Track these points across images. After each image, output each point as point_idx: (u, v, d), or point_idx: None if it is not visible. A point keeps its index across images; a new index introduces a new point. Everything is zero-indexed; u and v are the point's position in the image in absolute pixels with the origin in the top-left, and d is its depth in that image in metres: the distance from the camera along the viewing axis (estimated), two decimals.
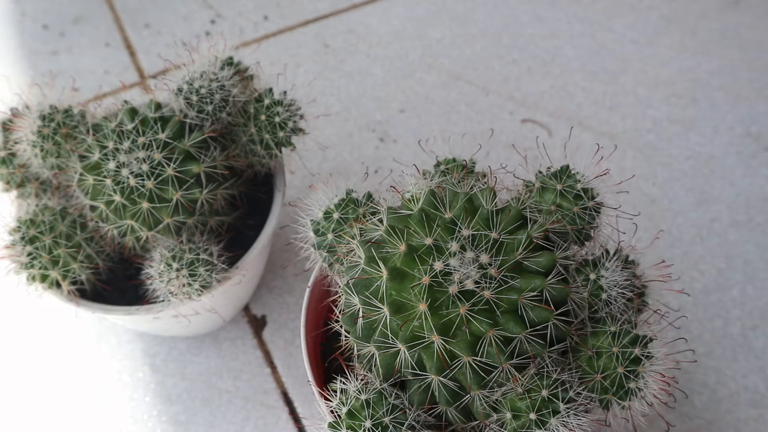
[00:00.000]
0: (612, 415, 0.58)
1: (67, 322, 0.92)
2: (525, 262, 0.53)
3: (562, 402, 0.52)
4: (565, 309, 0.54)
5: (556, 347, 0.54)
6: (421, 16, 1.24)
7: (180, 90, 0.74)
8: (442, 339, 0.51)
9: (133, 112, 0.71)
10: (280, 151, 0.78)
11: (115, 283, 0.80)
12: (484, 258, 0.51)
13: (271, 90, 0.77)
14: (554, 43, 1.20)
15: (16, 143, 0.74)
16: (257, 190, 0.83)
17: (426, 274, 0.51)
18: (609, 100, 1.12)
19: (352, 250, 0.56)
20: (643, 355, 0.57)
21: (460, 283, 0.51)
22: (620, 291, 0.59)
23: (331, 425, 0.56)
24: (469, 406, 0.56)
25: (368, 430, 0.54)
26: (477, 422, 0.57)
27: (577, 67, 1.17)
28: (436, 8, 1.25)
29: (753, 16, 1.24)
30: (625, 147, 1.07)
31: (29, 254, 0.72)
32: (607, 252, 0.61)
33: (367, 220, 0.58)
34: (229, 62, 0.77)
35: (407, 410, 0.56)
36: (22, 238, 0.72)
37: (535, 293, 0.52)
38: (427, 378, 0.54)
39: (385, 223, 0.55)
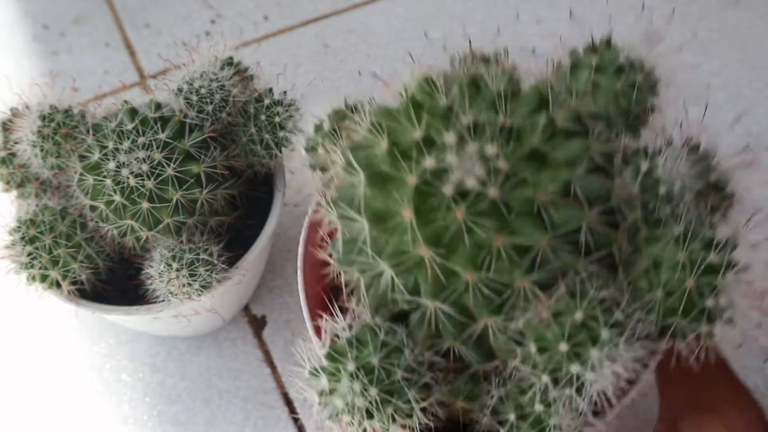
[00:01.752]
0: (683, 347, 0.42)
1: (67, 322, 0.92)
2: (547, 153, 0.39)
3: (605, 326, 0.38)
4: (607, 207, 0.41)
5: (595, 257, 0.40)
6: (421, 16, 1.24)
7: (180, 90, 0.74)
8: (434, 252, 0.39)
9: (133, 112, 0.71)
10: (280, 151, 0.78)
11: (115, 283, 0.80)
12: (490, 149, 0.37)
13: (271, 90, 0.77)
14: (554, 43, 1.20)
15: (16, 143, 0.74)
16: (257, 190, 0.83)
17: (412, 172, 0.39)
18: None
19: (334, 161, 0.46)
20: (722, 265, 0.41)
21: (459, 183, 0.37)
22: (686, 184, 0.43)
23: (311, 372, 0.45)
24: (484, 341, 0.44)
25: (352, 374, 0.42)
26: (498, 361, 0.45)
27: None
28: (436, 8, 1.25)
29: (753, 16, 1.24)
30: None
31: (29, 254, 0.72)
32: (671, 140, 0.47)
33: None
34: (229, 62, 0.77)
35: (404, 349, 0.43)
36: (22, 238, 0.72)
37: (559, 188, 0.38)
38: (424, 305, 0.42)
39: (367, 120, 0.44)
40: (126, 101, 0.73)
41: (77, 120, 0.73)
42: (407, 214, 0.39)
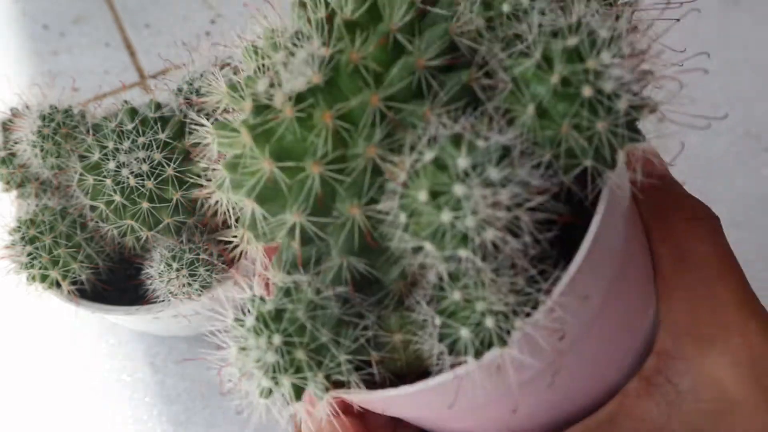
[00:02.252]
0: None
1: (67, 322, 0.92)
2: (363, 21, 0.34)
3: (467, 155, 0.28)
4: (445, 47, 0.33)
5: (446, 98, 0.33)
6: None
7: (180, 90, 0.74)
8: (276, 164, 0.34)
9: (133, 112, 0.71)
10: None
11: (115, 283, 0.80)
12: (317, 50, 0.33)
13: None
14: None
15: (16, 143, 0.74)
16: None
17: (245, 99, 0.36)
18: None
19: None
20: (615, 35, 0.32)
21: (289, 91, 0.33)
22: None
23: (240, 349, 0.36)
24: (374, 245, 0.35)
25: (256, 328, 0.34)
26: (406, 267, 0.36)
27: None
28: None
29: (753, 16, 1.24)
30: None
31: (29, 254, 0.72)
32: None
33: None
34: (230, 62, 0.77)
35: (306, 289, 0.34)
36: (22, 238, 0.72)
37: (377, 44, 0.33)
38: (290, 222, 0.35)
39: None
40: (126, 101, 0.73)
41: (77, 120, 0.74)
42: (246, 139, 0.35)
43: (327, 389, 0.35)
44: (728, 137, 1.07)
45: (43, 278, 0.73)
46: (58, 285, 0.74)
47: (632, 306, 0.44)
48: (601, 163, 0.33)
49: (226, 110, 0.40)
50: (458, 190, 0.28)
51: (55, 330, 0.92)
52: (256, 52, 0.39)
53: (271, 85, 0.34)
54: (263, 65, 0.38)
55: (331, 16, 0.35)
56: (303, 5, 0.38)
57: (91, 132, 0.71)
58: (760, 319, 0.42)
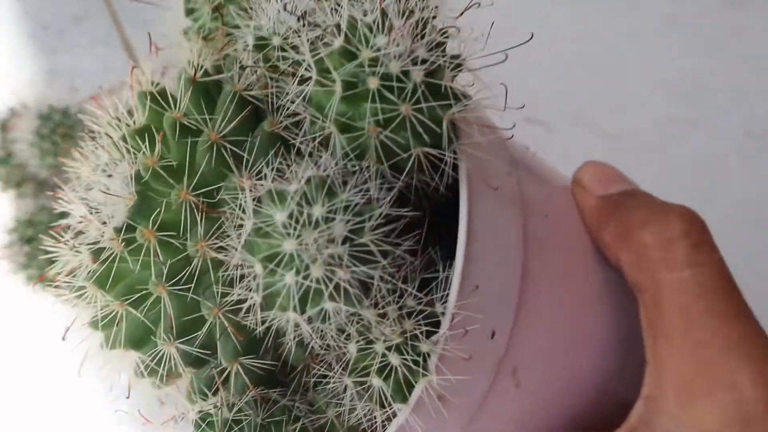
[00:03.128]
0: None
1: (66, 322, 0.92)
2: None
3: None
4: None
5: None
6: None
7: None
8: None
9: (131, 112, 0.70)
10: None
11: None
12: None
13: None
14: (555, 42, 1.20)
15: (14, 143, 0.73)
16: None
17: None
18: (609, 100, 1.12)
19: None
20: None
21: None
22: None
23: None
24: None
25: None
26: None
27: (578, 66, 1.17)
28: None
29: (755, 15, 1.24)
30: (626, 147, 1.07)
31: (27, 254, 0.72)
32: None
33: None
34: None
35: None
36: (20, 238, 0.72)
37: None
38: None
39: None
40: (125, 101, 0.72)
41: (75, 119, 0.73)
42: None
43: None
44: (729, 137, 1.06)
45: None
46: (57, 285, 0.74)
47: (583, 294, 0.40)
48: (431, 144, 0.29)
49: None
50: (287, 246, 0.26)
51: (54, 330, 0.92)
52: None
53: (102, 223, 0.34)
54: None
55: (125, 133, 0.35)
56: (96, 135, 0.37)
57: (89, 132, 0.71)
58: (753, 367, 0.36)
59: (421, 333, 0.29)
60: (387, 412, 0.30)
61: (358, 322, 0.29)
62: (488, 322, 0.30)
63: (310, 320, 0.28)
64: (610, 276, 0.42)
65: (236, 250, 0.28)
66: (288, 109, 0.31)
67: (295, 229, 0.26)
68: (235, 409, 0.33)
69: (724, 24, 1.21)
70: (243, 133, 0.31)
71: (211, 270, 0.31)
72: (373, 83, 0.28)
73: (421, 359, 0.29)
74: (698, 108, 1.11)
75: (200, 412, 0.35)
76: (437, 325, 0.30)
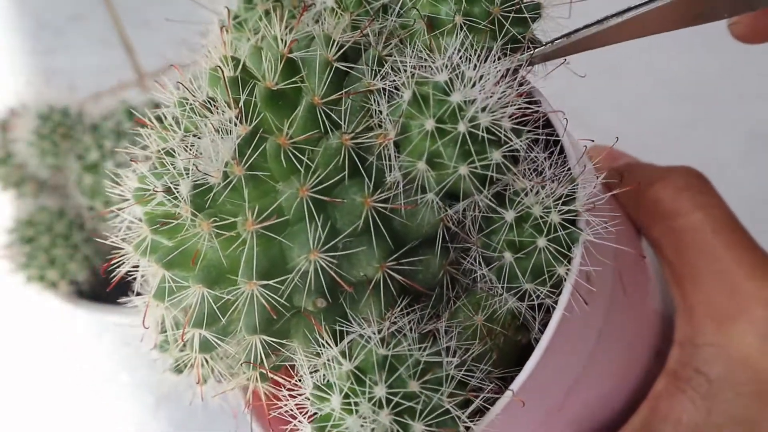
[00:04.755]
0: None
1: (66, 323, 0.91)
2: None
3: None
4: None
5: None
6: None
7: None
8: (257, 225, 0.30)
9: (131, 111, 0.70)
10: None
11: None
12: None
13: None
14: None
15: (13, 143, 0.73)
16: None
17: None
18: (610, 100, 1.11)
19: None
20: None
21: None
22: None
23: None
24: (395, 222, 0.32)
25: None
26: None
27: (578, 66, 1.16)
28: None
29: None
30: (627, 147, 1.06)
31: (27, 254, 0.72)
32: None
33: None
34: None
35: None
36: (20, 239, 0.72)
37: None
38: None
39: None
40: (124, 100, 0.72)
41: (75, 119, 0.73)
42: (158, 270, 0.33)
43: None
44: (732, 137, 1.06)
45: (41, 278, 0.73)
46: (56, 285, 0.74)
47: (635, 312, 0.43)
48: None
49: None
50: (455, 97, 0.30)
51: (54, 330, 0.92)
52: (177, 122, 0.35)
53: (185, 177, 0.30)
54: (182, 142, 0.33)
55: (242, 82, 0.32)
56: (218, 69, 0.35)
57: (89, 131, 0.71)
58: None
59: (567, 196, 0.32)
60: (542, 290, 0.31)
61: (513, 187, 0.31)
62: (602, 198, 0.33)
63: (478, 178, 0.30)
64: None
65: (393, 125, 0.30)
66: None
67: (457, 85, 0.30)
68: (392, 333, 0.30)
69: (727, 23, 1.21)
70: (350, 61, 0.33)
71: (360, 165, 0.30)
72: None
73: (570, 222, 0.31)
74: (700, 108, 1.11)
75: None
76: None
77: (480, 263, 0.33)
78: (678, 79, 1.13)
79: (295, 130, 0.31)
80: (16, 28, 1.24)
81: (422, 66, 0.31)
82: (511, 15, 0.33)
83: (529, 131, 0.32)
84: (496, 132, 0.30)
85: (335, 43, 0.32)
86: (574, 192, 0.32)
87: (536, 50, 0.34)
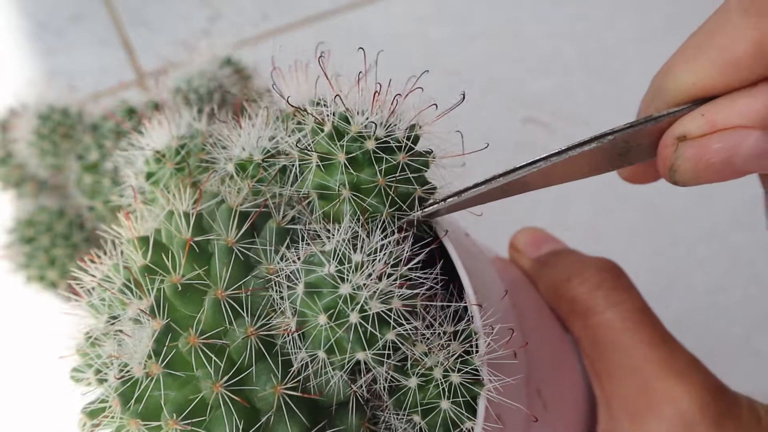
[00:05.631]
0: None
1: (66, 323, 0.91)
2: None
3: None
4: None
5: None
6: (421, 14, 1.23)
7: (178, 89, 0.73)
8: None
9: (130, 111, 0.70)
10: None
11: None
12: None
13: (269, 90, 0.77)
14: (555, 41, 1.20)
15: (13, 143, 0.73)
16: None
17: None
18: (611, 100, 1.11)
19: None
20: None
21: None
22: None
23: None
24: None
25: None
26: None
27: (579, 66, 1.16)
28: (437, 7, 1.25)
29: None
30: None
31: (27, 254, 0.72)
32: None
33: None
34: (228, 61, 0.76)
35: None
36: (20, 239, 0.72)
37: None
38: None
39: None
40: (124, 100, 0.72)
41: (75, 119, 0.73)
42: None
43: None
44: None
45: (41, 278, 0.73)
46: (56, 285, 0.74)
47: (552, 330, 0.46)
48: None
49: None
50: (344, 290, 0.31)
51: (53, 330, 0.91)
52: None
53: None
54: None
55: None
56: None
57: (88, 131, 0.71)
58: (685, 381, 0.42)
59: (466, 352, 0.33)
60: None
61: (413, 355, 0.33)
62: (508, 335, 0.34)
63: (376, 359, 0.32)
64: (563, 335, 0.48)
65: (293, 314, 0.32)
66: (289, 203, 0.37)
67: (345, 275, 0.31)
68: None
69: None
70: (250, 236, 0.36)
71: (266, 353, 0.33)
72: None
73: (472, 375, 0.33)
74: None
75: None
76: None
77: (396, 421, 0.35)
78: None
79: (204, 325, 0.33)
80: (17, 28, 1.24)
81: (311, 258, 0.33)
82: (397, 183, 0.35)
83: (423, 300, 0.33)
84: (387, 316, 0.31)
85: (236, 219, 0.35)
86: (476, 341, 0.34)
87: (426, 210, 0.36)
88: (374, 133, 0.35)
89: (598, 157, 0.35)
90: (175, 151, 0.40)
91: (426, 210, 0.36)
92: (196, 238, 0.35)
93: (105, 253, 0.38)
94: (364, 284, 0.31)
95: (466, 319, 0.34)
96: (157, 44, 1.19)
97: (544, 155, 0.35)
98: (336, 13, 1.24)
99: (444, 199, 0.36)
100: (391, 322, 0.31)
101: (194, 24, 1.22)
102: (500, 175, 0.35)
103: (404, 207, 0.36)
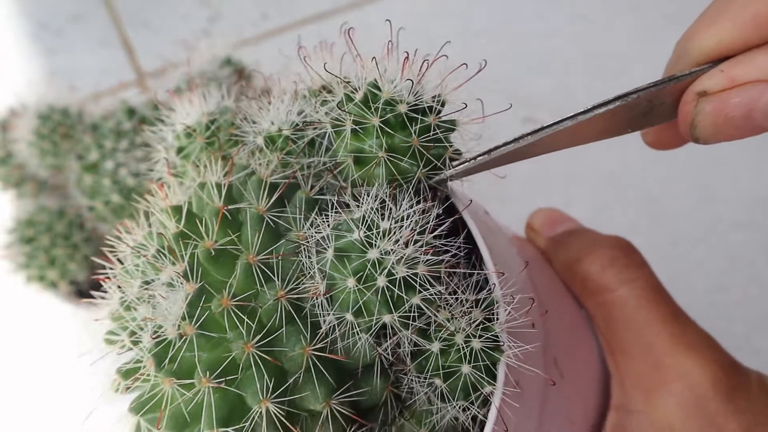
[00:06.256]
0: None
1: (65, 323, 0.91)
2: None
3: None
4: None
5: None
6: (421, 14, 1.24)
7: (179, 89, 0.73)
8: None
9: (131, 111, 0.70)
10: None
11: None
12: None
13: (269, 90, 0.77)
14: (556, 41, 1.20)
15: (13, 143, 0.73)
16: None
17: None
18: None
19: None
20: None
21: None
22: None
23: None
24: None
25: None
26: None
27: (579, 65, 1.17)
28: (437, 7, 1.25)
29: None
30: (627, 145, 1.06)
31: (27, 254, 0.72)
32: None
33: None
34: (228, 61, 0.76)
35: None
36: (20, 239, 0.72)
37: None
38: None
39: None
40: (124, 100, 0.72)
41: (75, 119, 0.73)
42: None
43: None
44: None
45: (41, 278, 0.73)
46: (56, 285, 0.74)
47: (570, 309, 0.47)
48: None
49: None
50: (372, 254, 0.32)
51: (53, 330, 0.92)
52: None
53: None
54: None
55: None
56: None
57: (88, 131, 0.71)
58: (695, 355, 0.42)
59: (487, 319, 0.34)
60: (473, 407, 0.34)
61: (437, 320, 0.33)
62: (527, 305, 0.35)
63: (402, 322, 0.33)
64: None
65: (322, 279, 0.33)
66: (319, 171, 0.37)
67: (373, 240, 0.32)
68: None
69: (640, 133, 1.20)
70: (280, 205, 0.36)
71: (295, 316, 0.34)
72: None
73: (493, 342, 0.33)
74: None
75: None
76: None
77: (418, 384, 0.36)
78: None
79: (236, 288, 0.34)
80: (17, 28, 1.24)
81: (340, 225, 0.34)
82: (429, 143, 0.36)
83: (447, 268, 0.34)
84: (413, 280, 0.32)
85: (266, 189, 0.36)
86: (497, 309, 0.34)
87: (458, 167, 0.37)
88: (405, 97, 0.36)
89: (622, 116, 0.36)
90: (205, 126, 0.41)
91: (457, 168, 0.37)
92: (229, 207, 0.35)
93: (137, 225, 0.39)
94: (392, 249, 0.32)
95: (487, 288, 0.35)
96: (157, 44, 1.19)
97: (571, 114, 0.35)
98: (336, 13, 1.24)
99: (474, 158, 0.37)
100: (417, 286, 0.32)
101: (194, 24, 1.22)
102: (528, 134, 0.36)
103: (438, 165, 0.36)
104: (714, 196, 1.00)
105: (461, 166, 0.37)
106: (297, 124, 0.38)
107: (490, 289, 0.34)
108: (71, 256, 0.73)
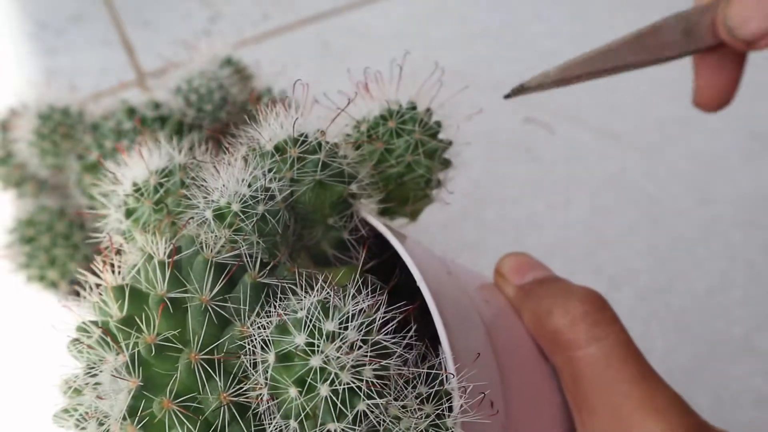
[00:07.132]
0: None
1: (66, 323, 0.91)
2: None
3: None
4: None
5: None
6: (421, 14, 1.24)
7: (179, 89, 0.73)
8: None
9: (131, 111, 0.70)
10: None
11: None
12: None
13: (269, 90, 0.77)
14: (556, 41, 1.20)
15: (13, 142, 0.73)
16: None
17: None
18: (611, 100, 1.11)
19: None
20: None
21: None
22: None
23: None
24: None
25: None
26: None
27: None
28: (437, 7, 1.25)
29: None
30: (627, 146, 1.07)
31: (27, 254, 0.72)
32: None
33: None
34: (228, 61, 0.76)
35: None
36: (20, 238, 0.72)
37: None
38: None
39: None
40: (124, 100, 0.72)
41: (75, 119, 0.73)
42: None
43: None
44: (732, 137, 1.06)
45: (41, 278, 0.73)
46: (56, 285, 0.74)
47: (535, 370, 0.46)
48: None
49: None
50: (315, 362, 0.31)
51: (53, 330, 0.91)
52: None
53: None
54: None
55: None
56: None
57: (89, 131, 0.71)
58: (662, 419, 0.41)
59: (441, 412, 0.33)
60: None
61: (385, 420, 0.32)
62: (485, 390, 0.34)
63: (347, 429, 0.32)
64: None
65: (265, 384, 0.32)
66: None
67: (316, 346, 0.31)
68: None
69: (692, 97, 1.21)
70: (227, 289, 0.35)
71: (239, 419, 0.33)
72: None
73: None
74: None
75: None
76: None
77: None
78: (677, 79, 1.13)
79: (178, 387, 0.33)
80: (17, 28, 1.24)
81: (282, 325, 0.32)
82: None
83: (397, 366, 0.33)
84: (358, 386, 0.31)
85: (211, 271, 0.35)
86: (450, 400, 0.33)
87: (534, 79, 0.39)
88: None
89: (669, 35, 0.42)
90: (153, 188, 0.40)
91: (530, 81, 0.40)
92: (171, 294, 0.34)
93: (88, 291, 0.39)
94: (335, 357, 0.31)
95: (439, 379, 0.34)
96: (157, 44, 1.19)
97: (635, 31, 0.44)
98: (336, 13, 1.24)
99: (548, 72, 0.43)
100: (362, 394, 0.31)
101: (194, 24, 1.22)
102: (596, 52, 0.43)
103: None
104: (714, 196, 1.00)
105: (534, 80, 0.41)
106: (246, 199, 0.36)
107: (442, 381, 0.34)
108: (72, 256, 0.73)
